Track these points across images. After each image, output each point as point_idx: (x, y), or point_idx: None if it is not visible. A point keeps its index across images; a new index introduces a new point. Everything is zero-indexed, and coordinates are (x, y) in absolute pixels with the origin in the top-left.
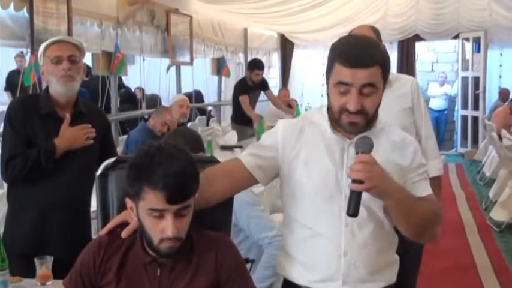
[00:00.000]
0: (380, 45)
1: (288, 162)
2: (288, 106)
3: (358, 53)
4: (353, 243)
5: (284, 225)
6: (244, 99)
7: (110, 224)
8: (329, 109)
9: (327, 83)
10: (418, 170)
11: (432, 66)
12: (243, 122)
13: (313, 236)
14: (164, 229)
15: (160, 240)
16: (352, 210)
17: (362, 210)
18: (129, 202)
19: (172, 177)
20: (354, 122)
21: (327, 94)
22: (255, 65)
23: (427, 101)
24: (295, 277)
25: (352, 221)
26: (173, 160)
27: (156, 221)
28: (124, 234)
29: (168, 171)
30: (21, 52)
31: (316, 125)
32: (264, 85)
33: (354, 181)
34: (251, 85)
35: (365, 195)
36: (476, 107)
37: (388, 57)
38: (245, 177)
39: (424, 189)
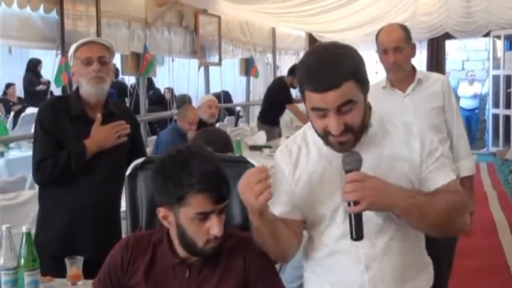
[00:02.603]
0: (347, 54)
1: (297, 185)
2: None
3: (323, 74)
4: (373, 254)
5: (308, 245)
6: (294, 108)
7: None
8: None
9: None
10: (430, 158)
11: (463, 64)
12: (270, 122)
13: (332, 254)
14: (210, 230)
15: (207, 241)
16: (356, 235)
17: (377, 218)
18: (162, 212)
19: (214, 177)
20: (342, 141)
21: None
22: None
23: (457, 100)
24: None
25: (368, 232)
26: (208, 161)
27: (201, 223)
28: None
29: (209, 173)
30: None
31: (312, 142)
32: None
33: (349, 203)
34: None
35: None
36: (508, 105)
37: (360, 63)
38: (295, 223)
39: (441, 177)
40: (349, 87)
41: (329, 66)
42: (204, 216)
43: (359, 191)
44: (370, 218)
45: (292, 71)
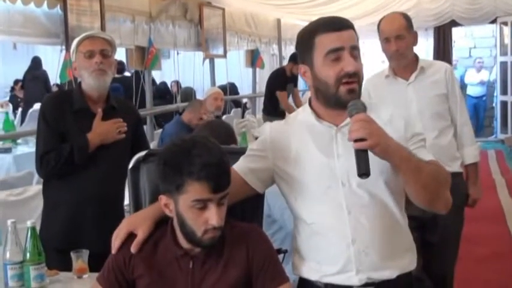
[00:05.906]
0: None
1: (279, 162)
2: None
3: (338, 18)
4: (360, 229)
5: (294, 226)
6: (283, 96)
7: (117, 242)
8: (319, 93)
9: (311, 68)
10: (413, 140)
11: (470, 52)
12: (274, 113)
13: (319, 231)
14: (208, 219)
15: (205, 231)
16: (364, 169)
17: (363, 194)
18: (163, 199)
19: (214, 167)
20: (353, 88)
21: (314, 79)
22: None
23: (464, 87)
24: (308, 274)
25: (353, 207)
26: (210, 151)
27: (199, 212)
28: (133, 249)
29: (209, 162)
30: None
31: (303, 121)
32: (295, 81)
33: (356, 142)
34: (289, 77)
35: (369, 179)
36: None
37: None
38: (240, 183)
39: (424, 156)
40: (355, 36)
41: (338, 17)
42: (202, 205)
43: (366, 129)
44: (356, 193)
45: (292, 57)
